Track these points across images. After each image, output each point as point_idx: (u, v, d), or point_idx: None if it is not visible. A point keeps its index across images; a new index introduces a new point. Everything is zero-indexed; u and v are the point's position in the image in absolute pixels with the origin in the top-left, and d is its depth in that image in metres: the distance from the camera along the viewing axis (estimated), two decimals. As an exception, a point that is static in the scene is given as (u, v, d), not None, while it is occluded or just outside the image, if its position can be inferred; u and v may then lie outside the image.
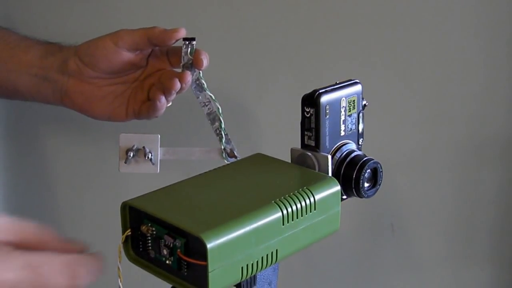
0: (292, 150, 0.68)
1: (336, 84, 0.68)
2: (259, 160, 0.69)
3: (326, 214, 0.63)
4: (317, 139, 0.67)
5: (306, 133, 0.67)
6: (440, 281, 1.27)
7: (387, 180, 1.15)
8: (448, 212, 1.23)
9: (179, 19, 1.03)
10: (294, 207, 0.60)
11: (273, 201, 0.59)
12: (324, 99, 0.66)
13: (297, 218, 0.60)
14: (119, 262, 0.60)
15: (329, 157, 0.66)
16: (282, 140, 1.15)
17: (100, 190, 1.17)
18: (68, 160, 1.18)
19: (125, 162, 0.82)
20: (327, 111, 0.66)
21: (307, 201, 0.61)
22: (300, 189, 0.61)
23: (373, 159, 0.68)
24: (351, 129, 0.70)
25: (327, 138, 0.67)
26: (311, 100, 0.66)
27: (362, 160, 0.67)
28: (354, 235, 1.21)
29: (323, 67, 1.13)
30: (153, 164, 0.82)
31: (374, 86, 1.14)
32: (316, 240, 0.63)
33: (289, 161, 0.69)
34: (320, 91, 0.66)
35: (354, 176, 0.67)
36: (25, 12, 1.11)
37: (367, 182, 0.69)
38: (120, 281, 0.60)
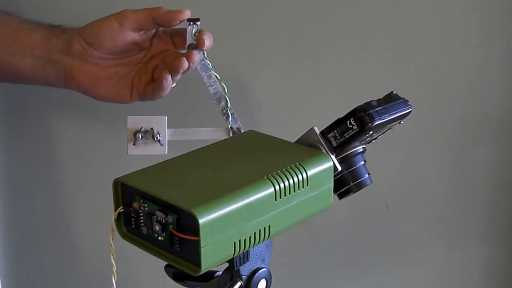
0: (311, 129, 0.67)
1: (392, 113, 0.66)
2: (252, 137, 0.69)
3: (319, 190, 0.63)
4: (340, 146, 0.66)
5: (336, 131, 0.65)
6: (434, 260, 1.27)
7: (382, 159, 1.16)
8: (442, 191, 1.23)
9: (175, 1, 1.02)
10: (286, 183, 0.60)
11: (265, 177, 0.59)
12: (373, 127, 0.65)
13: (289, 193, 0.60)
14: (112, 239, 0.60)
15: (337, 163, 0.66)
16: (279, 117, 1.16)
17: (103, 169, 1.16)
18: (74, 144, 1.17)
19: (134, 144, 0.82)
20: (367, 135, 0.66)
21: (300, 177, 0.61)
22: (293, 165, 0.61)
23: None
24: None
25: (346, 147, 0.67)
26: (362, 123, 0.64)
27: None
28: (349, 215, 1.21)
29: (318, 43, 1.13)
30: (161, 145, 0.82)
31: (368, 64, 1.14)
32: (309, 216, 0.63)
33: (285, 138, 0.69)
34: (377, 122, 0.64)
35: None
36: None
37: None
38: (113, 258, 0.60)
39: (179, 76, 0.81)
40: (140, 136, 0.82)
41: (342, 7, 1.12)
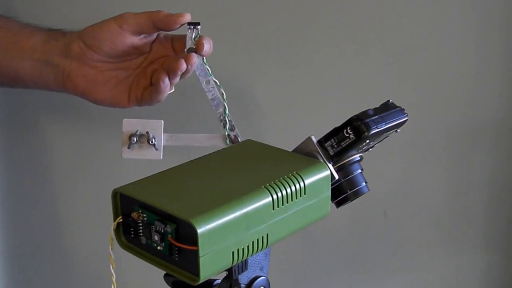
0: (309, 138, 0.67)
1: (388, 122, 0.67)
2: (249, 146, 0.70)
3: (316, 199, 0.63)
4: (337, 155, 0.66)
5: (333, 140, 0.66)
6: (433, 267, 1.27)
7: (380, 166, 1.16)
8: (440, 197, 1.24)
9: (174, 6, 1.02)
10: (284, 192, 0.60)
11: (263, 186, 0.59)
12: (370, 136, 0.65)
13: (287, 202, 0.60)
14: (111, 249, 0.60)
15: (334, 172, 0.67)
16: (277, 124, 1.16)
17: (101, 177, 1.17)
18: (69, 148, 1.18)
19: (128, 148, 0.81)
20: (364, 143, 0.66)
21: (297, 186, 0.61)
22: (290, 174, 0.62)
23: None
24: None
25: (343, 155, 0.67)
26: (359, 132, 0.64)
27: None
28: (348, 222, 1.21)
29: (316, 51, 1.13)
30: (156, 149, 0.81)
31: (367, 71, 1.15)
32: (307, 224, 0.64)
33: (282, 146, 0.69)
34: (374, 130, 0.64)
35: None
36: (27, 1, 1.10)
37: None
38: (112, 267, 0.60)
39: (177, 79, 0.81)
40: (135, 140, 0.81)
41: (340, 14, 1.12)
